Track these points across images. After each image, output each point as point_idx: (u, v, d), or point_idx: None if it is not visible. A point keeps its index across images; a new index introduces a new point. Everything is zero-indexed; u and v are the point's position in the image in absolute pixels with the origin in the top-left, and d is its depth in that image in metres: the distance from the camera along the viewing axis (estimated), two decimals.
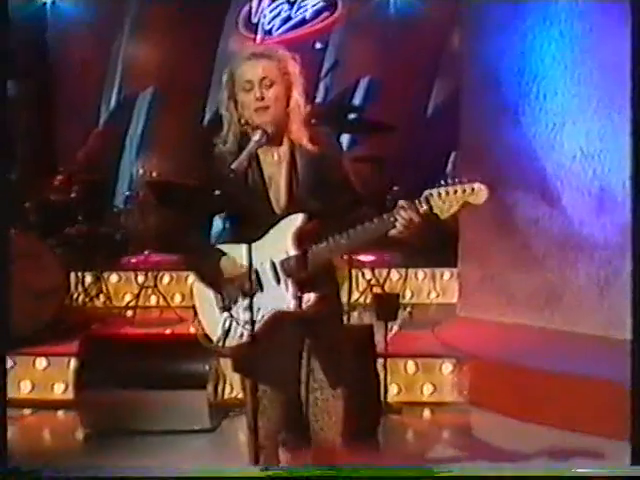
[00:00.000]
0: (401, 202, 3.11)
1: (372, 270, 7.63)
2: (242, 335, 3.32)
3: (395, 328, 6.44)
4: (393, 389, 5.87)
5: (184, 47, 10.25)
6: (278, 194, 3.36)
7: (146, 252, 8.00)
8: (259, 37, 10.28)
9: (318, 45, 9.66)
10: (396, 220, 3.12)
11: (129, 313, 7.65)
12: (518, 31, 6.80)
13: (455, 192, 3.06)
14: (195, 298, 3.49)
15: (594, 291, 6.53)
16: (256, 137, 3.19)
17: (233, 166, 3.10)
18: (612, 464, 3.34)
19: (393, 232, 3.14)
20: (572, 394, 5.41)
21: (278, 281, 3.30)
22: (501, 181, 6.71)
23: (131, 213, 9.05)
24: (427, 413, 5.88)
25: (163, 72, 10.44)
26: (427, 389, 6.01)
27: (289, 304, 3.29)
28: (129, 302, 7.84)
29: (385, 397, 5.65)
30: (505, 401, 5.69)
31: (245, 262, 3.25)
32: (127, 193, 9.59)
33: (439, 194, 3.06)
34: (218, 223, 9.88)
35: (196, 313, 3.50)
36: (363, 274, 7.52)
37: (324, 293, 3.33)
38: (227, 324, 3.36)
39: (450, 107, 8.40)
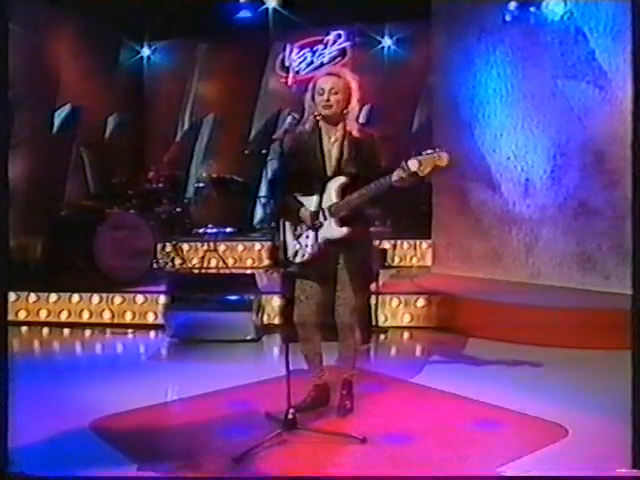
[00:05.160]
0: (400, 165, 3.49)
1: None
2: (303, 255, 3.74)
3: (384, 278, 6.45)
4: (382, 317, 6.14)
5: (236, 85, 10.44)
6: (331, 163, 3.74)
7: (209, 226, 8.50)
8: (290, 76, 10.29)
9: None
10: (392, 176, 3.51)
11: (196, 271, 7.91)
12: (470, 72, 7.00)
13: (427, 157, 3.45)
14: (285, 230, 3.78)
15: (522, 252, 6.71)
16: (289, 119, 3.71)
17: (274, 137, 3.62)
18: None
19: (394, 183, 3.50)
20: (506, 316, 5.68)
21: (325, 219, 3.71)
22: (460, 175, 6.99)
23: (198, 199, 9.35)
24: (406, 334, 6.10)
25: (221, 103, 10.63)
26: (406, 317, 6.24)
27: (331, 234, 3.70)
28: (196, 263, 8.15)
29: (376, 322, 5.98)
30: (460, 324, 5.94)
31: (309, 208, 3.72)
32: (195, 186, 9.78)
33: (417, 160, 3.45)
34: (260, 211, 10.49)
35: (284, 240, 3.78)
36: None
37: (354, 227, 3.70)
38: (296, 247, 3.76)
39: (427, 124, 8.48)
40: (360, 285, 3.90)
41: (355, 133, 3.73)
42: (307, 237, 3.75)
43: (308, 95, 3.77)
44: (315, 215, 3.72)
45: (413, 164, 3.46)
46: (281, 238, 3.81)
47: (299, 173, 3.75)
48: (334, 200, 3.70)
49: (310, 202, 3.75)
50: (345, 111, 3.72)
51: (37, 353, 6.09)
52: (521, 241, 6.75)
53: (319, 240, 3.72)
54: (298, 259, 3.77)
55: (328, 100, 3.67)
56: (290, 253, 3.79)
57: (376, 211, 7.64)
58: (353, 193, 3.66)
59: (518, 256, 6.77)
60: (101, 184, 9.18)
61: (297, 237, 3.78)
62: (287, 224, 3.81)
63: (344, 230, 3.70)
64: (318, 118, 3.73)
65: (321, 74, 3.80)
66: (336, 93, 3.67)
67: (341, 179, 3.70)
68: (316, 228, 3.72)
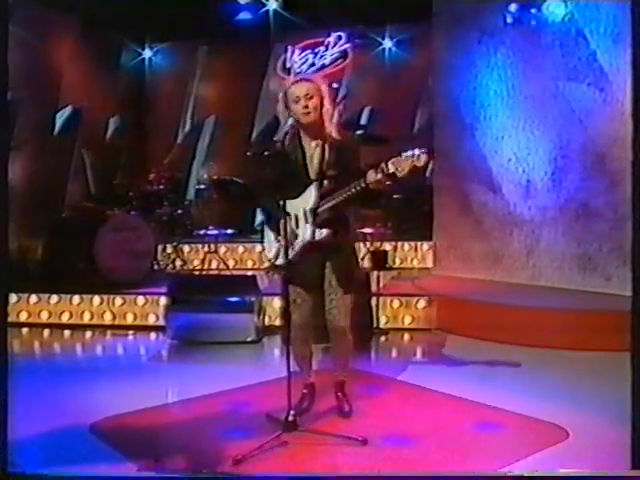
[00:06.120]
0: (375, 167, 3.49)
1: (371, 242, 7.58)
2: (287, 256, 3.71)
3: (385, 280, 6.49)
4: (382, 319, 6.14)
5: (237, 86, 10.43)
6: (313, 166, 3.76)
7: (210, 227, 8.45)
8: (292, 77, 9.95)
9: (334, 84, 9.47)
10: (367, 179, 3.50)
11: (197, 273, 7.92)
12: (471, 74, 6.98)
13: (405, 159, 3.42)
14: (265, 236, 3.91)
15: (523, 253, 6.69)
16: (290, 122, 3.71)
17: (275, 138, 3.66)
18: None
19: (370, 185, 3.48)
20: (507, 317, 5.66)
21: (306, 221, 3.73)
22: (462, 176, 7.04)
23: (198, 201, 9.32)
24: (406, 336, 6.09)
25: (222, 104, 10.59)
26: (407, 319, 6.23)
27: (312, 236, 3.71)
28: (197, 265, 8.19)
29: (377, 324, 5.98)
30: (461, 326, 5.93)
31: (292, 211, 3.72)
32: (196, 187, 9.71)
33: (396, 160, 3.44)
34: (259, 215, 10.47)
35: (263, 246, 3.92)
36: (364, 244, 7.42)
37: (335, 229, 3.72)
38: (277, 250, 3.79)
39: (428, 126, 8.41)
40: (348, 288, 3.86)
41: (335, 135, 3.76)
42: (288, 240, 3.73)
43: (280, 106, 3.78)
44: (295, 218, 3.73)
45: (391, 165, 3.45)
46: (264, 241, 3.91)
47: (282, 178, 3.75)
48: (314, 203, 3.71)
49: (293, 205, 3.75)
50: (321, 113, 3.71)
51: (38, 354, 6.12)
52: (522, 243, 6.74)
53: (301, 243, 3.74)
54: (279, 261, 3.78)
55: (306, 107, 3.68)
56: (272, 255, 3.83)
57: (377, 212, 7.63)
58: (331, 195, 3.68)
59: (519, 258, 6.76)
60: (102, 186, 9.19)
61: (277, 240, 3.79)
62: (267, 227, 3.88)
63: (324, 232, 3.71)
64: (296, 125, 3.73)
65: (290, 82, 3.81)
66: (311, 98, 3.69)
67: (322, 182, 3.72)
68: (283, 241, 3.69)
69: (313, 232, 3.73)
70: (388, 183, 3.52)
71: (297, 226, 3.76)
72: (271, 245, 3.87)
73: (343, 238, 3.82)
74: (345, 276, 3.84)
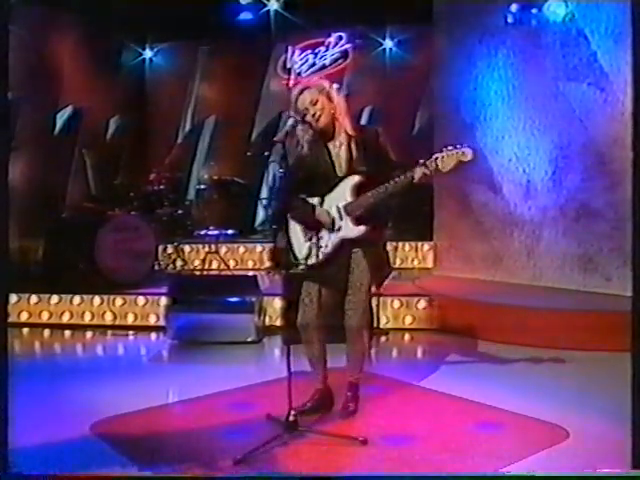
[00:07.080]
0: (419, 162, 3.49)
1: None
2: (318, 256, 3.70)
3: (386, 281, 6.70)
4: (383, 319, 6.16)
5: (237, 86, 10.47)
6: (340, 165, 3.74)
7: (210, 227, 8.49)
8: (292, 78, 10.29)
9: (335, 85, 9.66)
10: (414, 174, 3.50)
11: (198, 273, 7.96)
12: (472, 74, 6.98)
13: (451, 155, 3.49)
14: (291, 233, 3.80)
15: (523, 253, 6.69)
16: (290, 121, 3.68)
17: (275, 139, 3.63)
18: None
19: (417, 181, 3.49)
20: (507, 318, 5.68)
21: (341, 219, 3.69)
22: (462, 176, 6.77)
23: (199, 201, 9.35)
24: (407, 336, 6.11)
25: (222, 105, 10.64)
26: (407, 319, 6.25)
27: (347, 234, 3.68)
28: (197, 265, 8.21)
29: (378, 324, 5.96)
30: (461, 326, 5.92)
31: (324, 209, 3.70)
32: (197, 188, 9.76)
33: (442, 156, 3.49)
34: (261, 213, 10.44)
35: (289, 243, 3.79)
36: None
37: (373, 225, 3.69)
38: (310, 249, 3.72)
39: (429, 126, 8.43)
40: (371, 288, 3.85)
41: (357, 132, 3.76)
42: (321, 238, 3.72)
43: (292, 112, 3.74)
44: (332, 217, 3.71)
45: (439, 162, 3.47)
46: (291, 241, 3.80)
47: (309, 179, 3.75)
48: (349, 199, 3.69)
49: (323, 203, 3.73)
50: (333, 111, 3.72)
51: (38, 355, 6.12)
52: (522, 243, 6.73)
53: (336, 240, 3.70)
54: (312, 260, 3.73)
55: (314, 114, 3.68)
56: (303, 255, 3.75)
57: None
58: (368, 192, 3.64)
59: (519, 258, 6.76)
60: (103, 186, 9.21)
61: (309, 238, 3.74)
62: (297, 227, 3.79)
63: (361, 229, 3.68)
64: (315, 137, 3.73)
65: (294, 94, 3.75)
66: (316, 102, 3.68)
67: (355, 178, 3.70)
68: (336, 229, 3.69)
69: (350, 229, 3.68)
70: (430, 179, 3.55)
71: (335, 225, 3.71)
72: (301, 245, 3.77)
73: (377, 235, 3.79)
74: (371, 276, 3.78)
